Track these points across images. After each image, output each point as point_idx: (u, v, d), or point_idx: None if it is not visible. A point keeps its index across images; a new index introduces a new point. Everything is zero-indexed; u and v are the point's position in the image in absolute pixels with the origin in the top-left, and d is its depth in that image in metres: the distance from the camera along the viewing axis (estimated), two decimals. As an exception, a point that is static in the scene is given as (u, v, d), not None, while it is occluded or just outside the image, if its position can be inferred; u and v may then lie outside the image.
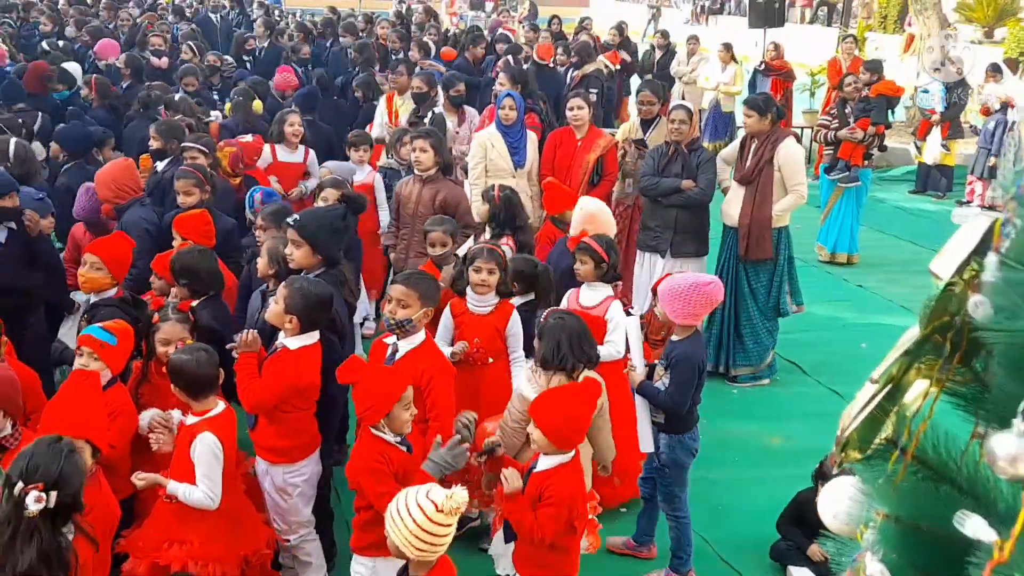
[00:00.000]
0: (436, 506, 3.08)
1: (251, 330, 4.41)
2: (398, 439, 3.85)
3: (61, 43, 12.72)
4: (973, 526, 1.36)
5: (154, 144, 7.00)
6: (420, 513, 3.08)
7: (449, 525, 3.11)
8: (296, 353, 4.28)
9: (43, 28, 13.95)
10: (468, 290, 5.14)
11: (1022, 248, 1.44)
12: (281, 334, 4.38)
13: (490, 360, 5.12)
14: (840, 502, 1.62)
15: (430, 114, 8.77)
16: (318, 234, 4.89)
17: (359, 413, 3.85)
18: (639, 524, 5.22)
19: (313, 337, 4.34)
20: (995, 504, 1.45)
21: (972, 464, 1.51)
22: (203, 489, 3.93)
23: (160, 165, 6.86)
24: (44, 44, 12.19)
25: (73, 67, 10.36)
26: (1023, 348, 1.35)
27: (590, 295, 5.41)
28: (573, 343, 4.31)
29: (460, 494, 3.12)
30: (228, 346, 4.39)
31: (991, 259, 1.49)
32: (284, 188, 7.48)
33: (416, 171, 6.81)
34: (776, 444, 6.51)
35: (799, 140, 7.87)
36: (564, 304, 5.41)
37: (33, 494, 2.91)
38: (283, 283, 4.41)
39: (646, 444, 4.84)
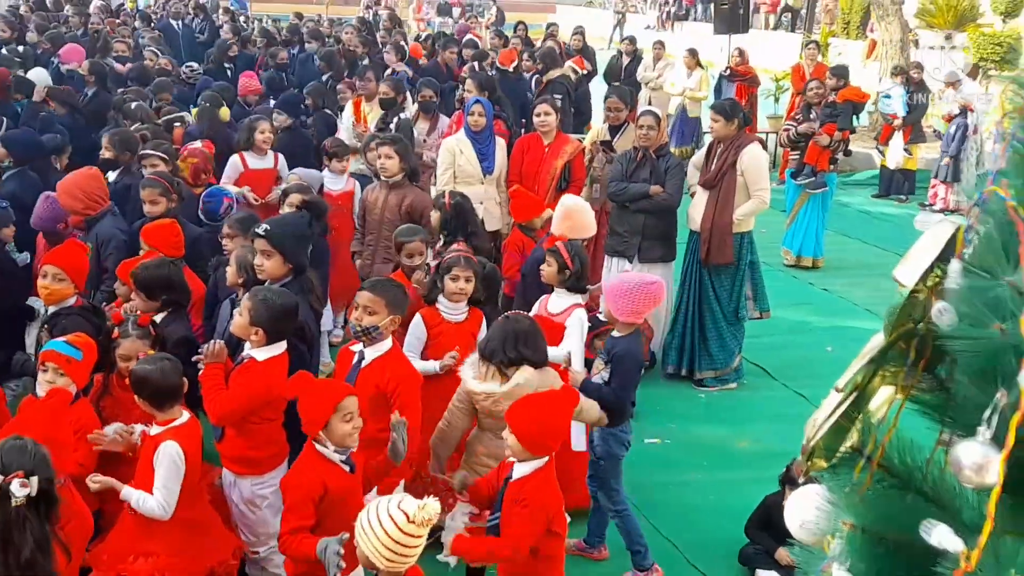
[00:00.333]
0: (408, 517, 3.03)
1: (217, 340, 4.35)
2: (342, 457, 3.77)
3: (21, 49, 12.53)
4: (939, 535, 1.36)
5: (106, 154, 6.87)
6: (391, 523, 3.04)
7: (420, 536, 3.07)
8: (263, 364, 4.22)
9: (1, 35, 13.75)
10: (441, 299, 5.11)
11: (985, 255, 1.45)
12: (247, 345, 4.32)
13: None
14: (807, 511, 1.61)
15: (396, 119, 8.75)
16: (287, 242, 4.86)
17: (303, 427, 3.79)
18: (589, 526, 5.24)
19: (280, 347, 4.29)
20: (960, 512, 1.45)
21: (937, 472, 1.51)
22: (158, 498, 3.85)
23: (112, 175, 6.76)
24: (3, 50, 12.00)
25: (39, 73, 10.21)
26: (988, 356, 1.35)
27: (557, 302, 5.45)
28: (507, 341, 4.33)
29: (432, 505, 3.08)
30: (194, 358, 4.33)
31: (954, 266, 1.50)
32: (259, 195, 7.38)
33: (382, 177, 6.78)
34: (744, 448, 6.54)
35: (764, 146, 7.91)
36: (535, 309, 5.42)
37: (16, 481, 2.91)
38: (247, 294, 4.36)
39: (578, 443, 4.94)
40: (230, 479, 4.38)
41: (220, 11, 21.57)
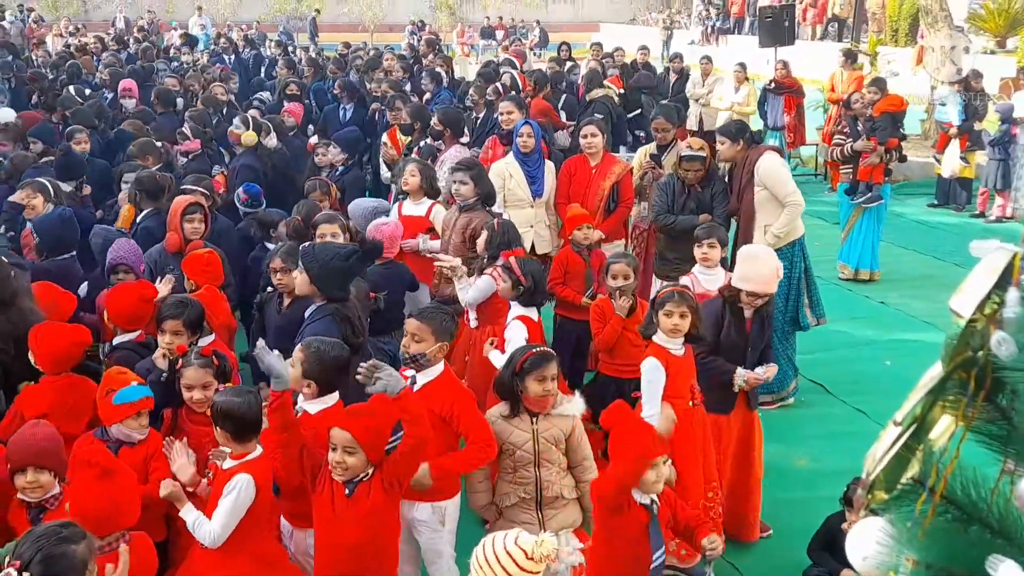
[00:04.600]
0: (526, 554, 3.10)
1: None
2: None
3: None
4: (1006, 571, 1.34)
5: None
6: (509, 560, 3.10)
7: (538, 572, 3.13)
8: (316, 419, 4.17)
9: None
10: (660, 335, 5.00)
11: (1043, 283, 1.43)
12: (300, 398, 4.31)
13: (691, 404, 5.06)
14: (869, 545, 1.59)
15: (420, 145, 8.98)
16: (315, 267, 4.91)
17: None
18: None
19: (333, 399, 4.26)
20: (1028, 544, 1.43)
21: (1003, 503, 1.48)
22: (215, 525, 3.83)
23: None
24: (71, 88, 12.34)
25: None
26: (1049, 387, 1.33)
27: (510, 314, 5.59)
28: None
29: (550, 541, 3.14)
30: None
31: (1012, 295, 1.48)
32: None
33: (457, 201, 6.87)
34: (803, 466, 6.45)
35: (781, 154, 7.81)
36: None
37: (8, 571, 2.78)
38: (299, 345, 4.33)
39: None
40: (287, 530, 4.35)
41: (271, 44, 22.00)
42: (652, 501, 3.90)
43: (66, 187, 7.87)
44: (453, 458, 4.35)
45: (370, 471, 3.82)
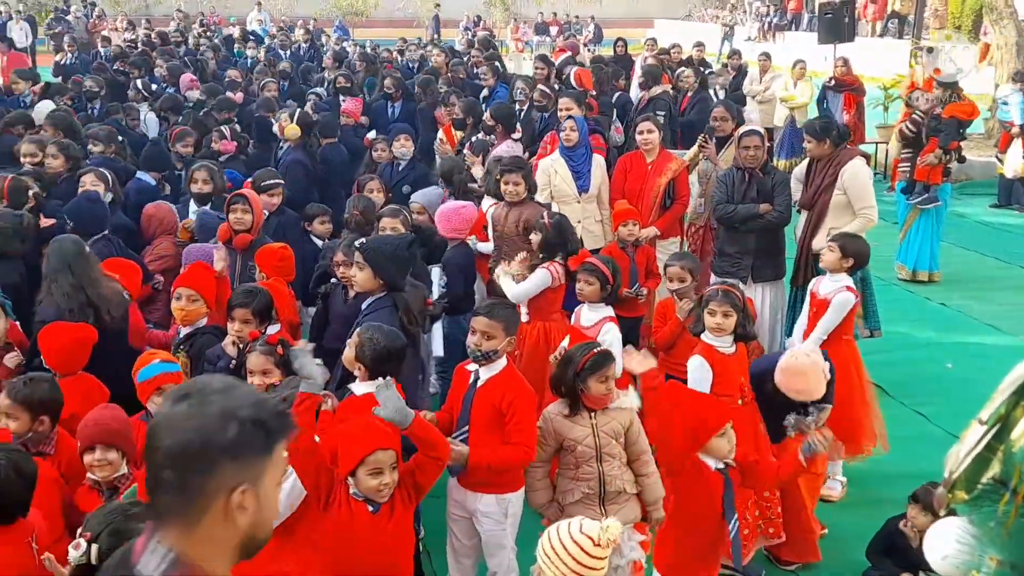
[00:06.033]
0: (593, 540, 3.13)
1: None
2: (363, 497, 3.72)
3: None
4: (1094, 573, 1.31)
5: (204, 188, 7.09)
6: (577, 548, 3.14)
7: (605, 557, 3.17)
8: (360, 400, 4.21)
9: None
10: (708, 333, 5.09)
11: None
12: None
13: (741, 402, 5.03)
14: (949, 544, 1.56)
15: (474, 139, 9.08)
16: (380, 259, 5.02)
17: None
18: None
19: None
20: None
21: (1088, 505, 1.45)
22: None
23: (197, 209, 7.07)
24: (139, 83, 12.55)
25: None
26: None
27: (590, 316, 5.56)
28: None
29: (615, 525, 3.18)
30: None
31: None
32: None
33: (506, 199, 6.91)
34: (862, 468, 6.35)
35: (868, 160, 7.68)
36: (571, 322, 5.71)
37: (77, 542, 2.88)
38: (360, 328, 4.41)
39: None
40: None
41: (330, 39, 22.18)
42: (726, 466, 4.05)
43: (149, 179, 8.05)
44: (493, 452, 4.28)
45: None
